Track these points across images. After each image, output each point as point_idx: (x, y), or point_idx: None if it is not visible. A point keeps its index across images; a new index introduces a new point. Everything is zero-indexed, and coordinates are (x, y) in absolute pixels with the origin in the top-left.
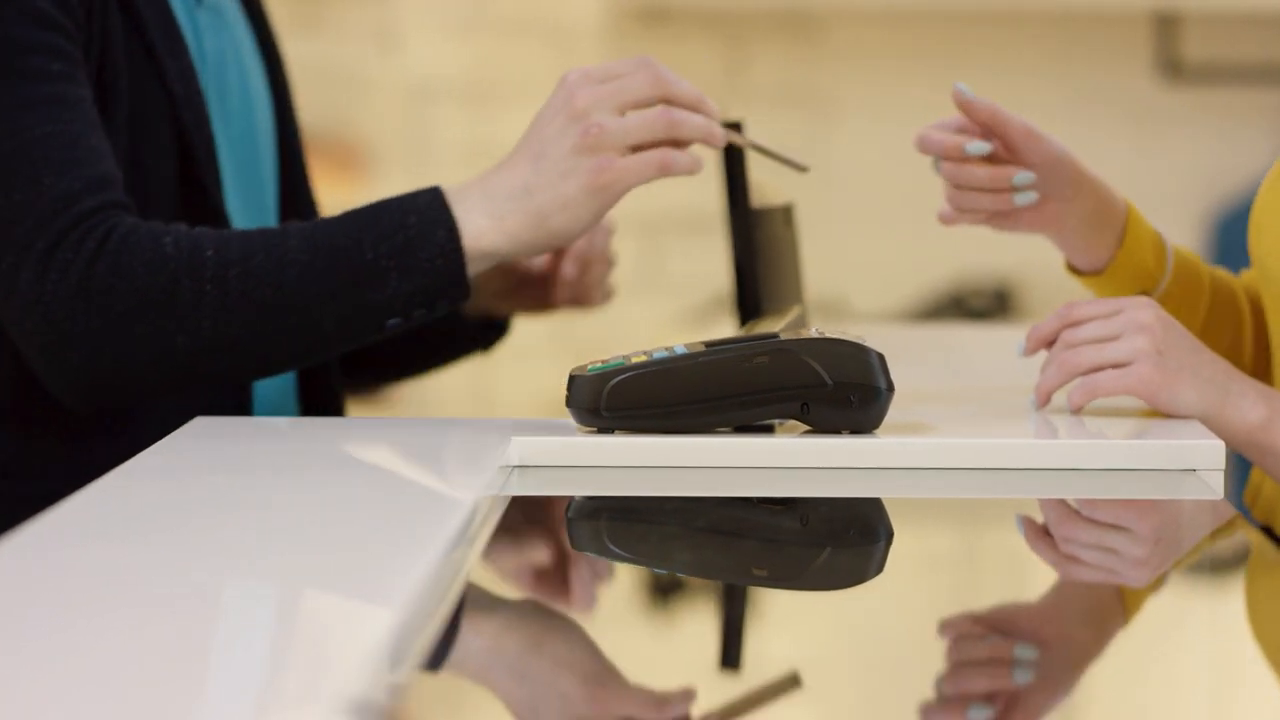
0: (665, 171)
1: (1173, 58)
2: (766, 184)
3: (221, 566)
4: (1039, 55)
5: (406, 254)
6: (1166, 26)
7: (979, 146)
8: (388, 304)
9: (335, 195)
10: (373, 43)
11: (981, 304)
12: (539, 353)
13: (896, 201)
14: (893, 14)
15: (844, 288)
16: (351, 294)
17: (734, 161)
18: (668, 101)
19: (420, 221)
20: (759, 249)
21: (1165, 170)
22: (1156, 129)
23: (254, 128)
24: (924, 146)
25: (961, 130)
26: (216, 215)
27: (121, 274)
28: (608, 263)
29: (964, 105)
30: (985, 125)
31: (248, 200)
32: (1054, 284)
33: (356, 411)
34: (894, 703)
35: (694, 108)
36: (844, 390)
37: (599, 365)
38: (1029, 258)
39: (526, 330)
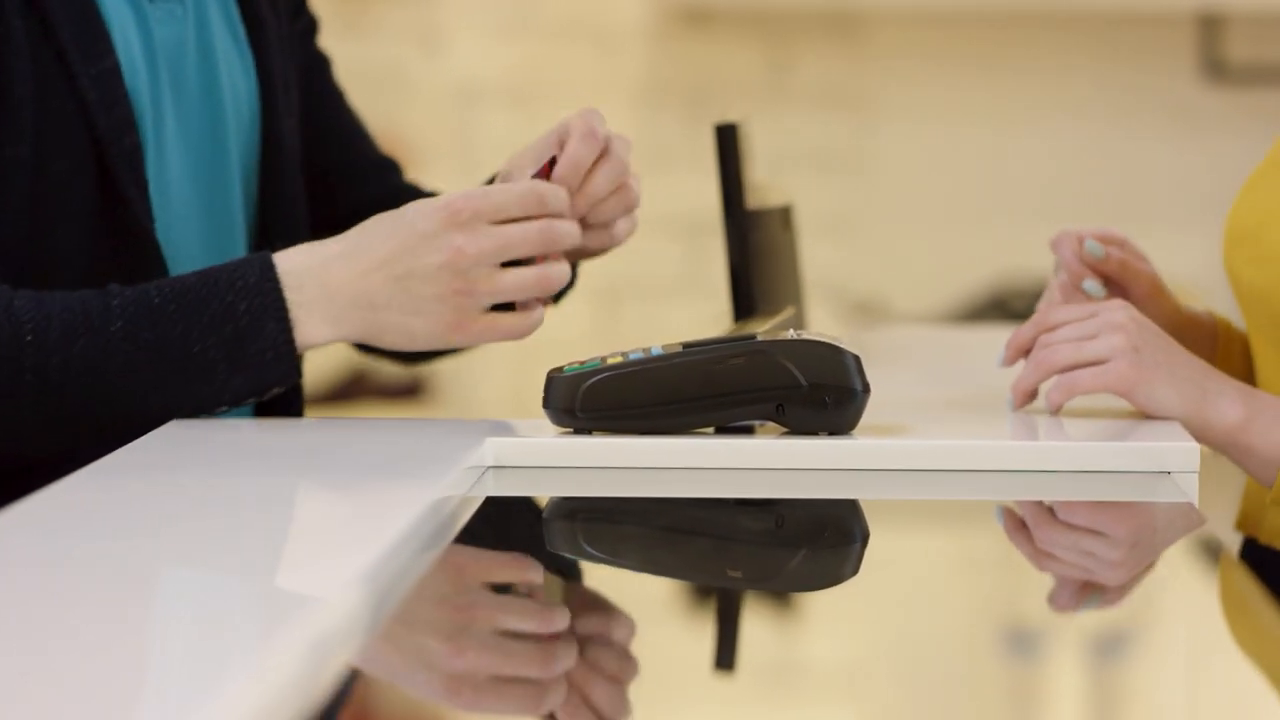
0: (506, 336)
1: (1216, 58)
2: (769, 185)
3: (173, 560)
4: (1082, 56)
5: (236, 346)
6: (1210, 27)
7: (1094, 287)
8: (216, 396)
9: None
10: (417, 44)
11: (1023, 305)
12: (581, 355)
13: (938, 202)
14: (935, 15)
15: (885, 289)
16: (179, 387)
17: (729, 163)
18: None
19: (250, 310)
20: (754, 250)
21: (1207, 171)
22: (1199, 130)
23: (219, 125)
24: (1056, 248)
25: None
26: (138, 228)
27: None
28: (628, 198)
29: (1095, 265)
30: (1114, 276)
31: (208, 200)
32: None
33: (398, 409)
34: (867, 702)
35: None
36: (819, 391)
37: (575, 366)
38: None
39: (567, 334)
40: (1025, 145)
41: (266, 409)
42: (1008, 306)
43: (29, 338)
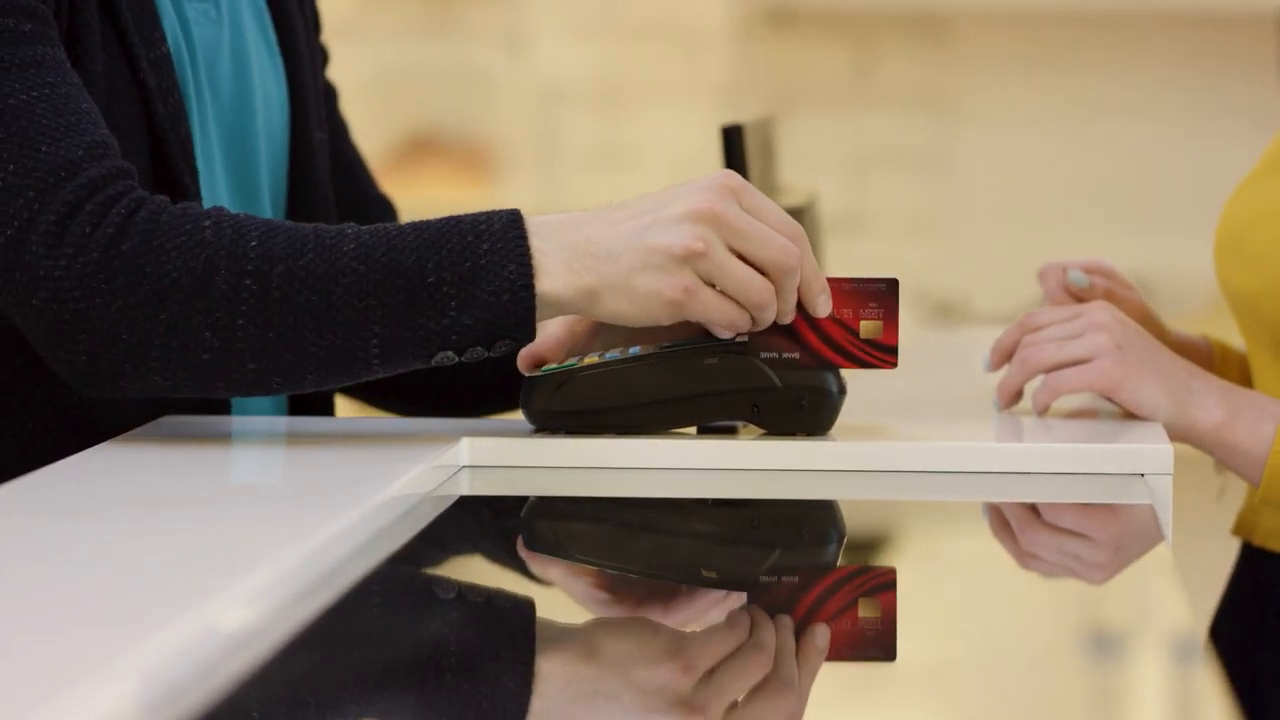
0: (720, 332)
1: None
2: (796, 185)
3: (115, 546)
4: (1166, 58)
5: (472, 283)
6: None
7: (1078, 276)
8: (441, 335)
9: (462, 197)
10: (502, 45)
11: None
12: None
13: (1021, 203)
14: (1020, 16)
15: (967, 289)
16: (404, 317)
17: (735, 165)
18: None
19: (492, 249)
20: None
21: None
22: None
23: (249, 128)
24: (1041, 280)
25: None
26: None
27: (151, 255)
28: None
29: (1080, 295)
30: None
31: (241, 203)
32: (1176, 286)
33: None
34: (835, 701)
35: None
36: (795, 393)
37: (553, 367)
38: (1153, 260)
39: None
40: (1107, 147)
41: (301, 407)
42: None
43: (253, 243)
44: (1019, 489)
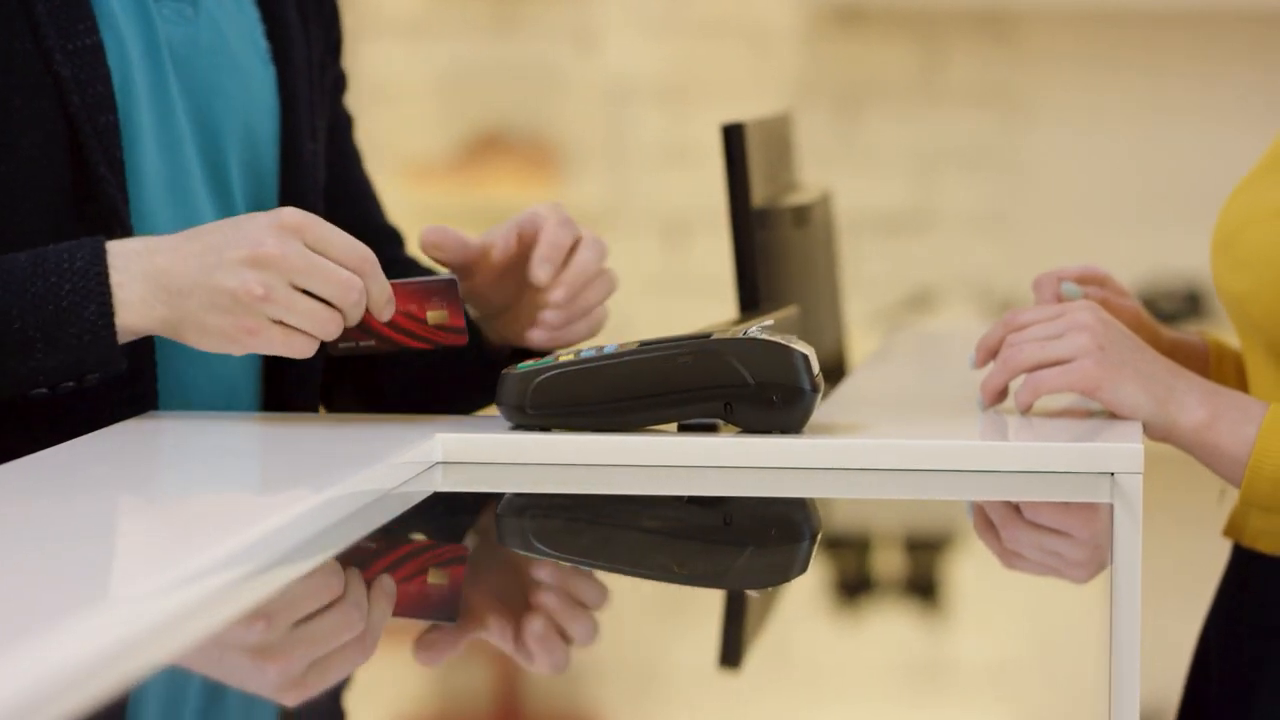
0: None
1: None
2: (809, 183)
3: (75, 533)
4: (1236, 56)
5: (55, 327)
6: None
7: (1071, 289)
8: (30, 374)
9: (529, 195)
10: (570, 43)
11: (1172, 307)
12: None
13: (1089, 202)
14: (1089, 13)
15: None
16: None
17: (736, 163)
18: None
19: (74, 290)
20: (758, 247)
21: None
22: None
23: (222, 126)
24: (1036, 290)
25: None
26: (111, 208)
27: None
28: (607, 284)
29: None
30: None
31: (216, 196)
32: None
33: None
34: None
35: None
36: (766, 390)
37: (529, 363)
38: None
39: None
40: (1177, 146)
41: (278, 404)
42: (1157, 307)
43: None
44: (988, 487)
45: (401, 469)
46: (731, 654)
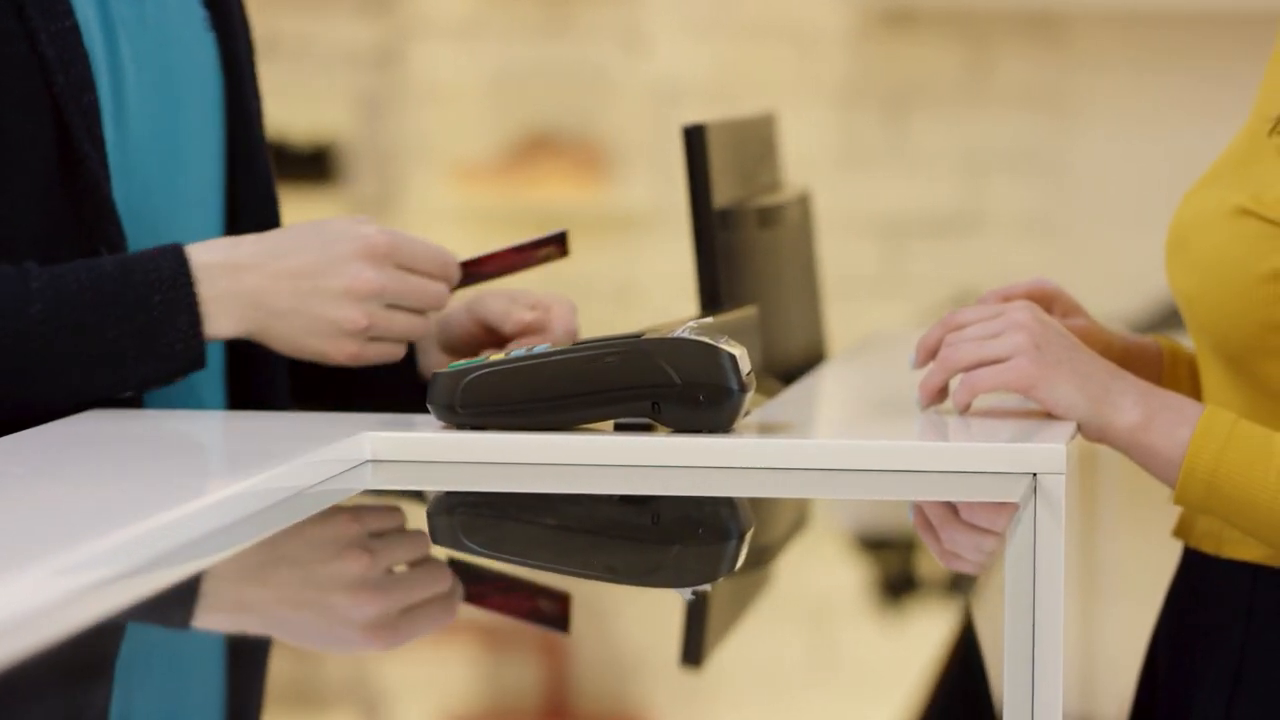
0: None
1: None
2: (788, 183)
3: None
4: None
5: (147, 337)
6: None
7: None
8: (121, 382)
9: (578, 196)
10: (619, 45)
11: None
12: None
13: (1137, 205)
14: (1138, 15)
15: (1081, 290)
16: (88, 370)
17: (697, 164)
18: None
19: (164, 302)
20: (719, 247)
21: None
22: None
23: (178, 99)
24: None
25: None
26: (94, 187)
27: None
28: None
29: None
30: None
31: (171, 174)
32: None
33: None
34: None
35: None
36: (692, 390)
37: (459, 363)
38: None
39: None
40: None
41: (242, 401)
42: None
43: None
44: (910, 487)
45: (326, 466)
46: (692, 652)
